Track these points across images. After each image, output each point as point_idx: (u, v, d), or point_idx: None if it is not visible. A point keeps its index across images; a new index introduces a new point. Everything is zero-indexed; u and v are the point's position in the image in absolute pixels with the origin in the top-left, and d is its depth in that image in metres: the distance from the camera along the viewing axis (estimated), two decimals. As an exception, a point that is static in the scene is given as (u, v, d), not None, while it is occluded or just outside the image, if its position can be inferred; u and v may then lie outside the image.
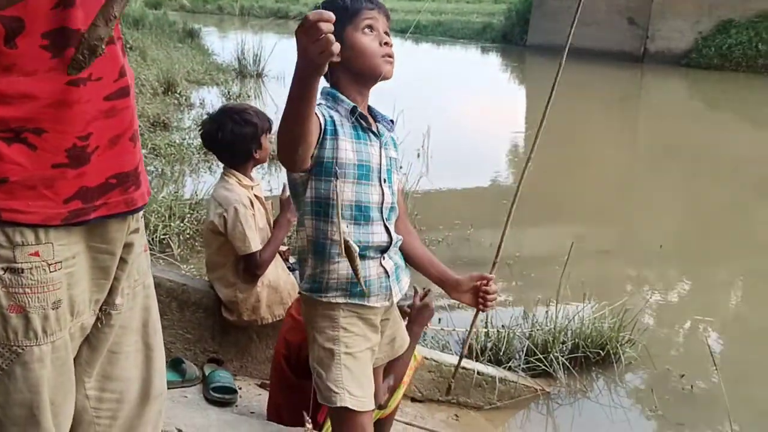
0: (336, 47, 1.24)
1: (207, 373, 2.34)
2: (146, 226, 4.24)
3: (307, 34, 1.24)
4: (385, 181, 1.64)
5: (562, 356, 3.24)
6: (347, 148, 1.56)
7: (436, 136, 7.78)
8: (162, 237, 4.33)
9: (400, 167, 1.85)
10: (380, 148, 1.65)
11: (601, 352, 3.36)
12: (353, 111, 1.59)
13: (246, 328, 2.48)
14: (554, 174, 7.92)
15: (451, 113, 10.75)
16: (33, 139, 0.99)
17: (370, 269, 1.62)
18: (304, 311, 1.69)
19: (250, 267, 2.34)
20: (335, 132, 1.55)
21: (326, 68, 1.31)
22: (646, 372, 3.42)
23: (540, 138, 1.87)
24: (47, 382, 1.05)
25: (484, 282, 1.81)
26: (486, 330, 3.37)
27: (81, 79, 1.01)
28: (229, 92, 10.27)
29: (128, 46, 11.06)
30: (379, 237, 1.63)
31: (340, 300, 1.60)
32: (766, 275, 5.05)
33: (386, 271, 1.65)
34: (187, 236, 4.47)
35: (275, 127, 2.03)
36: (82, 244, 1.07)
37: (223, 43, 16.27)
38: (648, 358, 3.47)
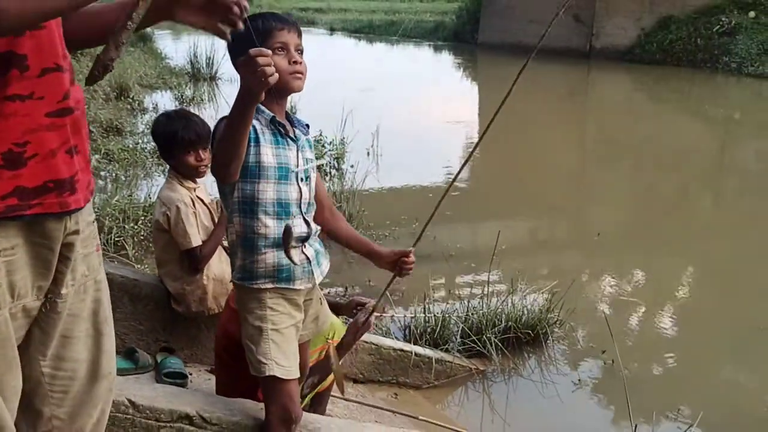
0: (273, 78, 1.48)
1: (159, 361, 2.53)
2: (101, 228, 4.42)
3: (247, 67, 1.48)
4: (302, 180, 1.86)
5: (495, 337, 3.50)
6: (268, 153, 1.78)
7: (387, 135, 7.95)
8: (117, 239, 4.47)
9: (320, 165, 2.10)
10: (297, 151, 1.86)
11: (531, 332, 3.63)
12: (272, 120, 1.81)
13: (195, 318, 2.67)
14: (503, 168, 8.23)
15: (402, 112, 10.98)
16: None
17: (294, 256, 1.83)
18: (237, 297, 1.91)
19: (193, 261, 2.54)
20: (257, 140, 1.77)
21: (263, 96, 1.55)
22: (573, 350, 3.71)
23: (489, 133, 2.10)
24: None
25: (405, 254, 2.08)
26: (424, 315, 3.62)
27: (19, 96, 1.19)
28: (182, 96, 10.33)
29: (79, 51, 11.00)
30: (299, 229, 1.85)
31: (269, 285, 1.82)
32: (698, 258, 5.41)
33: (308, 258, 1.88)
34: (141, 238, 4.61)
35: None
36: (21, 237, 1.23)
37: (176, 46, 16.21)
38: (574, 337, 3.77)
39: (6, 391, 1.26)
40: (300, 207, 1.86)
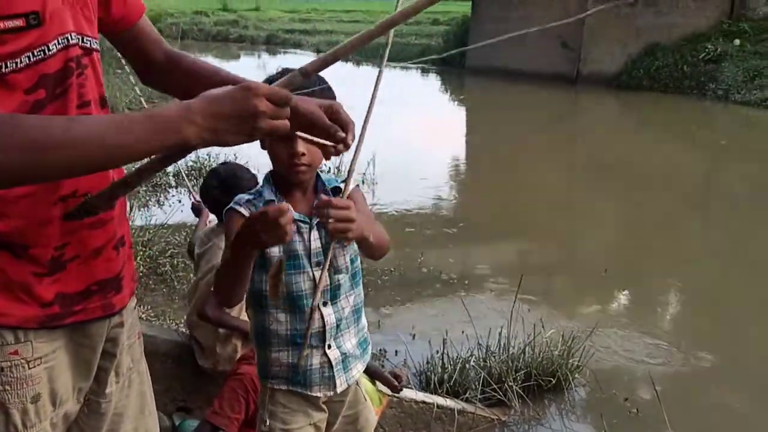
0: (288, 238, 1.30)
1: (177, 423, 2.38)
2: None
3: (265, 228, 1.29)
4: (318, 264, 1.60)
5: (516, 385, 3.39)
6: None
7: (382, 161, 7.90)
8: (115, 277, 4.29)
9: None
10: (310, 230, 1.62)
11: (552, 379, 3.52)
12: (270, 202, 1.60)
13: (214, 375, 2.52)
14: (495, 195, 8.20)
15: (393, 137, 10.92)
16: (18, 250, 1.04)
17: (312, 357, 1.63)
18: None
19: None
20: None
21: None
22: (595, 397, 3.60)
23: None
24: None
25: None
26: (442, 361, 3.50)
27: (63, 197, 1.07)
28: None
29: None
30: (315, 324, 1.61)
31: (283, 387, 1.66)
32: (704, 290, 5.37)
33: (330, 362, 1.64)
34: (141, 274, 4.44)
35: None
36: (62, 339, 1.11)
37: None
38: (596, 382, 3.65)
39: None
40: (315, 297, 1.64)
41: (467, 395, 3.35)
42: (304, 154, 1.53)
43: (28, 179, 0.97)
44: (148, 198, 6.36)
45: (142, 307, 3.95)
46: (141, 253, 4.59)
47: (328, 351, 1.64)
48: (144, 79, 1.37)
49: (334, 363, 1.65)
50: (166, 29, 32.53)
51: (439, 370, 3.46)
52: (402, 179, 8.25)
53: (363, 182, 7.64)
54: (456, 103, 17.50)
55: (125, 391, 1.25)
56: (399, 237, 6.21)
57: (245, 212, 1.58)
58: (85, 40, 1.09)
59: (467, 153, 11.03)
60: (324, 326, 1.63)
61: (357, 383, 1.78)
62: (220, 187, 2.47)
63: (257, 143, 1.49)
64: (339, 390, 1.68)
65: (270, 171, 1.66)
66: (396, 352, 3.89)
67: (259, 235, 1.32)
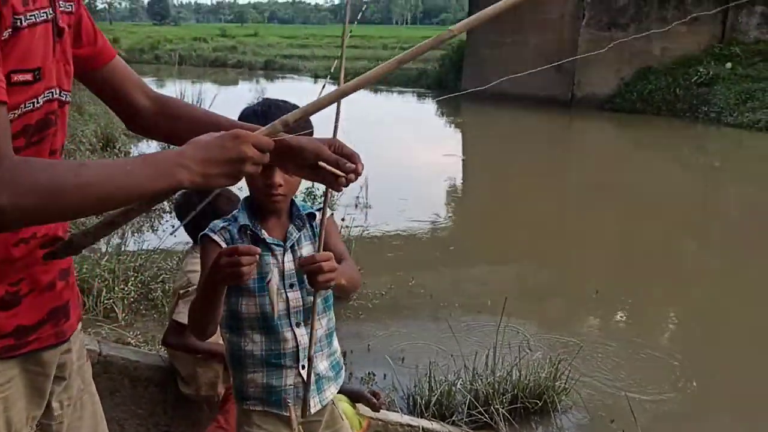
0: (245, 279, 1.38)
1: (160, 448, 2.40)
2: (89, 291, 4.27)
3: (227, 260, 1.37)
4: (292, 286, 1.65)
5: (503, 408, 3.40)
6: None
7: (376, 184, 7.98)
8: (105, 302, 4.32)
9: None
10: (284, 253, 1.66)
11: (538, 401, 3.53)
12: (241, 229, 1.65)
13: (198, 401, 2.54)
14: (489, 218, 8.26)
15: (389, 160, 11.02)
16: None
17: (286, 378, 1.67)
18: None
19: (175, 335, 2.43)
20: None
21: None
22: (581, 419, 3.61)
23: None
24: None
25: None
26: (429, 384, 3.52)
27: (24, 239, 1.12)
28: (168, 146, 10.24)
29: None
30: (290, 344, 1.66)
31: (258, 408, 1.69)
32: (695, 313, 5.40)
33: (304, 382, 1.66)
34: (132, 300, 4.45)
35: None
36: (17, 368, 1.15)
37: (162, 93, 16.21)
38: (583, 405, 3.67)
39: None
40: (290, 318, 1.66)
41: (454, 418, 3.36)
42: (281, 185, 1.60)
43: (38, 221, 1.04)
44: (141, 224, 6.40)
45: (132, 332, 3.97)
46: (133, 278, 4.61)
47: (302, 371, 1.67)
48: (129, 125, 1.42)
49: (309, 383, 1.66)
50: (164, 56, 33.04)
51: (426, 393, 3.48)
52: (396, 203, 8.32)
53: (356, 206, 7.72)
54: (452, 126, 17.64)
55: (77, 413, 1.28)
56: (391, 260, 6.25)
57: (219, 240, 1.63)
58: (62, 94, 1.16)
59: (462, 176, 11.12)
60: (297, 346, 1.67)
61: (333, 403, 1.81)
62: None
63: None
64: (313, 410, 1.70)
65: (246, 197, 1.72)
66: (384, 375, 3.91)
67: (221, 270, 1.39)
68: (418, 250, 6.72)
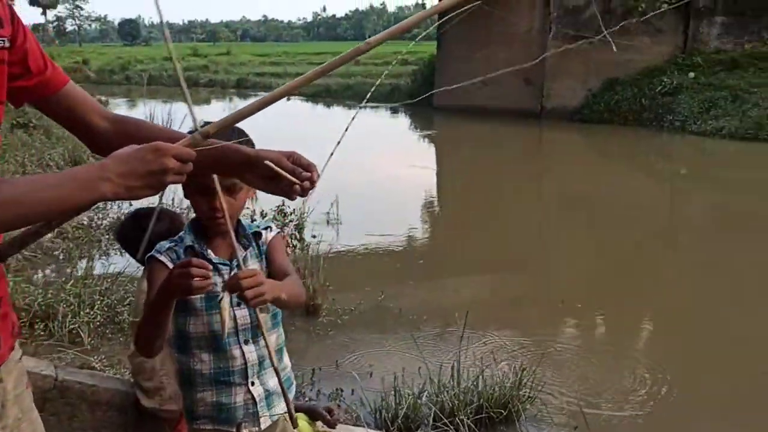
0: (198, 293, 1.42)
1: (120, 471, 2.39)
2: (54, 316, 4.24)
3: (180, 272, 1.41)
4: (240, 304, 1.63)
5: (468, 419, 3.43)
6: None
7: (347, 200, 8.01)
8: (71, 326, 4.28)
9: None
10: (230, 271, 1.67)
11: (503, 411, 3.57)
12: (188, 250, 1.67)
13: (159, 421, 2.54)
14: (459, 231, 8.34)
15: (360, 175, 11.07)
16: None
17: (236, 395, 1.68)
18: None
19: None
20: None
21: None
22: (546, 427, 3.66)
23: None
24: None
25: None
26: (395, 398, 3.54)
27: None
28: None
29: (31, 124, 10.87)
30: (238, 361, 1.68)
31: (208, 426, 1.71)
32: (661, 319, 5.49)
33: (253, 399, 1.69)
34: (98, 324, 4.41)
35: None
36: None
37: (132, 114, 16.15)
38: (547, 413, 3.72)
39: None
40: (238, 336, 1.69)
41: (420, 431, 3.39)
42: (222, 210, 1.61)
43: None
44: (108, 246, 6.35)
45: (97, 356, 3.94)
46: (99, 302, 4.57)
47: (251, 388, 1.70)
48: (91, 147, 1.44)
49: (258, 399, 1.71)
50: (134, 76, 32.84)
51: (393, 406, 3.50)
52: (367, 217, 8.36)
53: (327, 222, 7.74)
54: (425, 140, 17.77)
55: None
56: (361, 276, 6.29)
57: (166, 260, 1.65)
58: None
59: (435, 190, 11.22)
60: (245, 363, 1.69)
61: (286, 419, 1.84)
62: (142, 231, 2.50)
63: (180, 191, 1.64)
64: (263, 426, 1.72)
65: (192, 219, 1.75)
66: (352, 391, 3.92)
67: (174, 282, 1.41)
68: (389, 265, 6.75)
